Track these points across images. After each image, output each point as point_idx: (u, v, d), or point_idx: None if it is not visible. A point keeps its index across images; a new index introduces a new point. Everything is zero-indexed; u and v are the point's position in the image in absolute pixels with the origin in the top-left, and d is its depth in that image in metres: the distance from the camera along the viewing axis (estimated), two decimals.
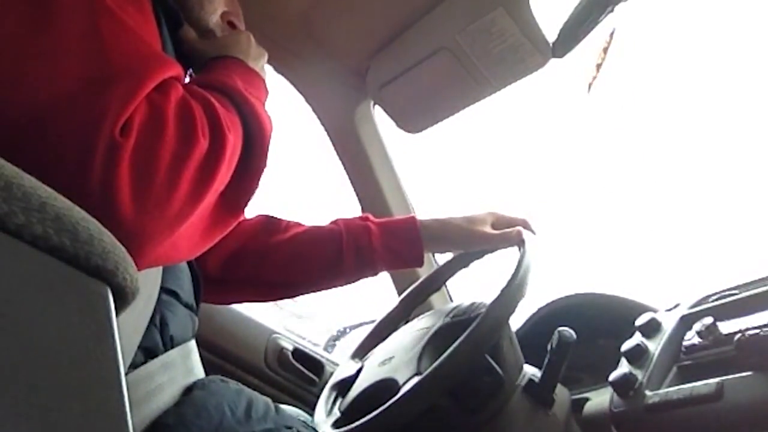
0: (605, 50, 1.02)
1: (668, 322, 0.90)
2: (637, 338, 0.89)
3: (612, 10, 1.03)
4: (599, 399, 0.93)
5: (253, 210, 1.10)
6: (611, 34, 1.03)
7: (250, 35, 0.91)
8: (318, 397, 1.01)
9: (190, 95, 0.64)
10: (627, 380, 0.82)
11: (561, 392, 0.90)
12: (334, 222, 1.11)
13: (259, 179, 0.73)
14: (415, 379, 0.79)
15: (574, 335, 0.84)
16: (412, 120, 1.41)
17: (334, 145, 1.51)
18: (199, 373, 0.85)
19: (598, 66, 1.02)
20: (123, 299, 0.43)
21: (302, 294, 1.13)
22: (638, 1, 1.03)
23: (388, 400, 0.76)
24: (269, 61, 0.94)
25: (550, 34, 1.13)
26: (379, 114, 1.48)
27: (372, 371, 0.93)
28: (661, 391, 0.79)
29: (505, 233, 1.03)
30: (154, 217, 0.56)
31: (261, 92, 0.83)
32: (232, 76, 0.78)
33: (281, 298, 1.14)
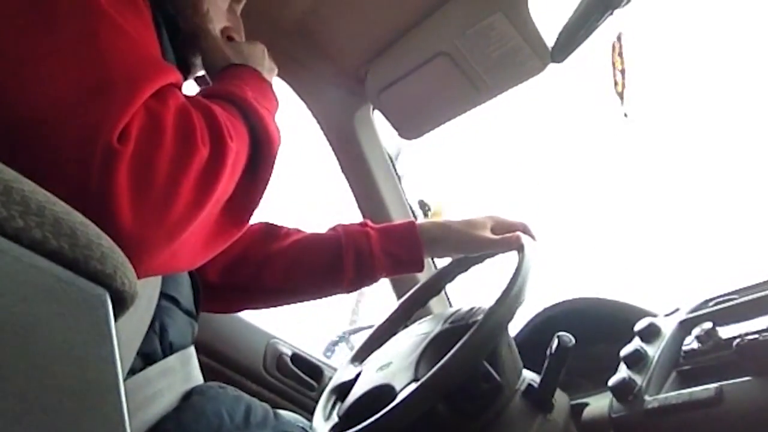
0: (620, 54, 1.00)
1: (667, 327, 0.90)
2: (636, 343, 0.89)
3: (611, 14, 1.03)
4: (598, 404, 0.92)
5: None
6: (619, 38, 1.01)
7: (265, 49, 0.92)
8: (317, 402, 1.00)
9: (190, 104, 0.64)
10: (626, 385, 0.82)
11: (560, 397, 0.90)
12: (334, 228, 1.10)
13: (264, 190, 0.72)
14: (412, 386, 0.78)
15: (573, 340, 0.84)
16: (411, 125, 1.41)
17: (333, 150, 1.51)
18: (198, 379, 0.85)
19: (623, 71, 1.00)
20: (122, 304, 0.43)
21: (302, 301, 1.12)
22: (636, 6, 1.03)
23: (385, 407, 0.76)
24: None
25: (549, 38, 1.13)
26: (378, 118, 1.49)
27: (370, 376, 0.93)
28: (660, 396, 0.79)
29: (505, 238, 1.03)
30: (152, 225, 0.56)
31: (271, 103, 0.83)
32: (243, 86, 0.78)
33: (281, 305, 1.14)
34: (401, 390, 0.81)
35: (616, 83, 0.99)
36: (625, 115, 0.99)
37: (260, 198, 0.72)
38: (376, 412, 0.76)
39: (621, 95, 1.00)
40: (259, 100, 0.76)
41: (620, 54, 1.00)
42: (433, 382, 0.75)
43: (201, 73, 0.94)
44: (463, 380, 0.77)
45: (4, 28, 0.55)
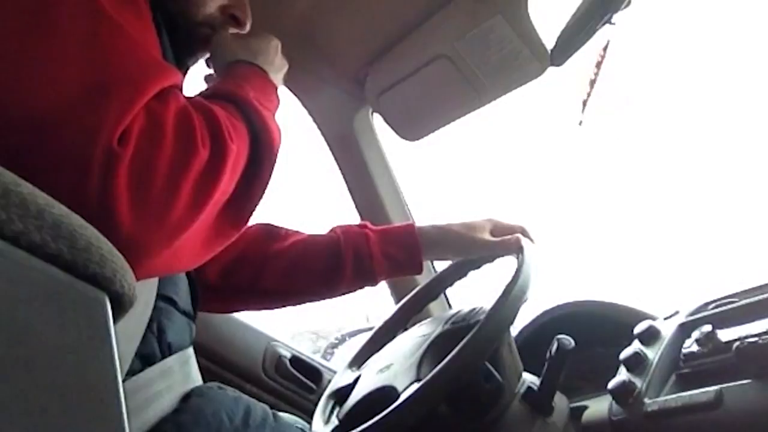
0: (598, 65, 1.01)
1: (667, 330, 0.90)
2: (636, 346, 0.89)
3: (611, 18, 1.04)
4: (598, 407, 0.92)
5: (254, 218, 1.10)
6: (605, 48, 1.02)
7: (279, 45, 0.91)
8: (316, 405, 1.00)
9: (191, 105, 0.64)
10: (626, 388, 0.82)
11: (560, 400, 0.90)
12: (333, 230, 1.10)
13: (264, 190, 0.72)
14: (415, 386, 0.78)
15: (573, 343, 0.84)
16: (410, 128, 1.41)
17: (332, 152, 1.51)
18: (197, 379, 0.85)
19: (592, 82, 1.01)
20: (120, 307, 0.43)
21: (301, 302, 1.12)
22: (634, 9, 1.03)
23: (387, 408, 0.75)
24: None
25: (549, 41, 1.14)
26: (378, 121, 1.49)
27: (370, 379, 0.93)
28: (659, 399, 0.79)
29: (504, 240, 1.03)
30: (152, 227, 0.56)
31: (273, 103, 0.82)
32: (245, 86, 0.77)
33: (280, 307, 1.14)
34: (404, 390, 0.81)
35: (585, 92, 1.00)
36: (580, 123, 1.00)
37: (260, 198, 0.72)
38: (378, 414, 0.75)
39: (584, 103, 1.00)
40: (260, 99, 0.76)
41: (598, 65, 1.01)
42: (437, 381, 0.75)
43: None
44: (466, 380, 0.77)
45: (4, 29, 0.54)
